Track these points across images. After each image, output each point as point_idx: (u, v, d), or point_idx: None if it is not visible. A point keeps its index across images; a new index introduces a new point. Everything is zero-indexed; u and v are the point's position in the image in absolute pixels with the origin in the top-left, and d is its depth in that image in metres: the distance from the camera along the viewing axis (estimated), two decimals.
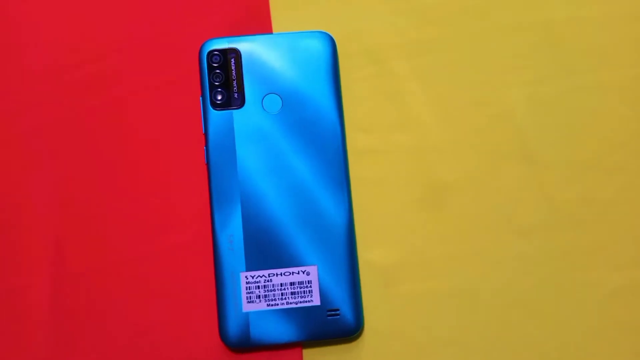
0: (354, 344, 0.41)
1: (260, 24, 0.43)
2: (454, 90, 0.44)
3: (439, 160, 0.43)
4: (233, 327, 0.39)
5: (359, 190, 0.42)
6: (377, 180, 0.43)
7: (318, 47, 0.42)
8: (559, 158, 0.43)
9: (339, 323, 0.40)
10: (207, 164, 0.40)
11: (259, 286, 0.40)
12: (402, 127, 0.43)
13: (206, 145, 0.41)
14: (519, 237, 0.43)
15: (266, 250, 0.40)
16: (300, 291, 0.40)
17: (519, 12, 0.44)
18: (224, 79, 0.41)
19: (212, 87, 0.41)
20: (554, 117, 0.44)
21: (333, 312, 0.40)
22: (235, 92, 0.41)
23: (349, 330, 0.40)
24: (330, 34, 0.42)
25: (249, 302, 0.39)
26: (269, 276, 0.40)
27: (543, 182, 0.43)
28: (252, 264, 0.40)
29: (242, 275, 0.40)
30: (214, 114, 0.41)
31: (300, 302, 0.40)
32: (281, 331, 0.39)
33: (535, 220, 0.43)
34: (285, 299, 0.40)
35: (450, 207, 0.43)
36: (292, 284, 0.40)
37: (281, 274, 0.40)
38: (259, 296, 0.40)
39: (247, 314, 0.39)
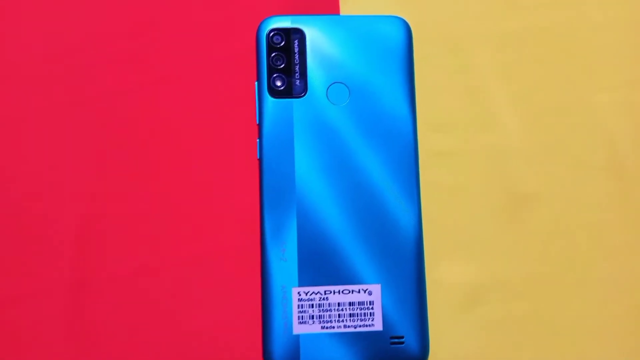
0: None
1: (327, 4, 0.35)
2: (541, 91, 0.36)
3: (521, 167, 0.35)
4: (280, 351, 0.31)
5: (431, 198, 0.34)
6: (451, 187, 0.34)
7: (391, 33, 0.33)
8: None
9: (403, 352, 0.31)
10: (260, 159, 0.32)
11: (313, 305, 0.31)
12: (481, 129, 0.35)
13: (260, 137, 0.32)
14: (606, 258, 0.35)
15: (323, 264, 0.31)
16: (361, 313, 0.31)
17: (614, 7, 0.36)
18: (285, 63, 0.33)
19: (271, 72, 0.33)
20: None
21: (397, 340, 0.31)
22: (297, 79, 0.32)
23: None
24: (406, 20, 0.34)
25: (300, 322, 0.31)
26: (324, 293, 0.31)
27: (634, 198, 0.35)
28: (306, 279, 0.31)
29: (295, 291, 0.31)
30: (271, 102, 0.32)
31: (360, 325, 0.31)
32: (336, 359, 0.31)
33: (624, 241, 0.35)
34: (342, 321, 0.31)
35: (533, 220, 0.35)
36: (351, 304, 0.31)
37: (339, 292, 0.31)
38: (313, 316, 0.31)
39: (298, 336, 0.31)
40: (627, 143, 0.35)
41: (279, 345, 0.31)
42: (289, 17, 0.33)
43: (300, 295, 0.31)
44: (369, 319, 0.31)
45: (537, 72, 0.35)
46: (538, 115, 0.35)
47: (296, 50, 0.33)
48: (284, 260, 0.31)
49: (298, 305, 0.31)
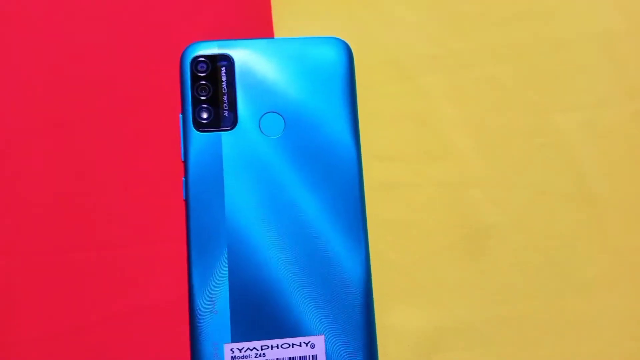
0: None
1: (260, 27, 0.32)
2: (498, 113, 0.32)
3: (479, 197, 0.31)
4: None
5: (379, 235, 0.30)
6: (402, 222, 0.31)
7: (330, 56, 0.30)
8: (623, 198, 0.32)
9: None
10: (186, 200, 0.28)
11: None
12: (433, 157, 0.32)
13: (185, 176, 0.28)
14: (576, 294, 0.31)
15: (259, 315, 0.28)
16: None
17: (575, 21, 0.33)
18: (212, 93, 0.29)
19: (196, 103, 0.29)
20: (616, 149, 0.32)
21: None
22: (226, 110, 0.29)
23: None
24: (346, 42, 0.30)
25: None
26: (261, 349, 0.27)
27: (605, 227, 0.32)
28: (241, 333, 0.27)
29: (227, 347, 0.27)
30: (197, 137, 0.29)
31: None
32: None
33: (596, 274, 0.31)
34: None
35: (494, 256, 0.31)
36: (291, 359, 0.27)
37: (278, 347, 0.27)
38: None
39: None
40: (595, 167, 0.32)
41: None
42: (216, 43, 0.30)
43: (233, 352, 0.27)
44: None
45: (492, 93, 0.32)
46: (495, 140, 0.32)
47: (223, 78, 0.29)
48: (215, 313, 0.27)
49: None
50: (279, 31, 0.32)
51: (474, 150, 0.32)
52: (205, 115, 0.29)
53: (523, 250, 0.31)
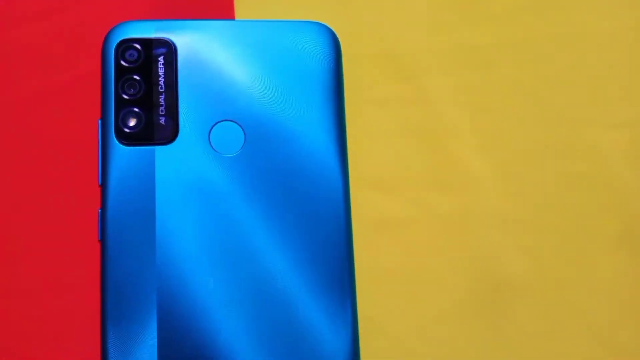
0: None
1: (215, 4, 0.24)
2: (522, 129, 0.26)
3: (498, 240, 0.25)
4: None
5: (369, 287, 0.24)
6: (398, 269, 0.25)
7: (310, 47, 0.23)
8: None
9: None
10: (102, 242, 0.20)
11: None
12: (441, 184, 0.25)
13: (102, 207, 0.21)
14: None
15: None
16: None
17: (617, 15, 0.27)
18: (143, 92, 0.22)
19: (121, 105, 0.22)
20: None
21: None
22: (162, 116, 0.22)
23: None
24: (332, 28, 0.24)
25: None
26: None
27: None
28: None
29: None
30: (121, 152, 0.21)
31: None
32: None
33: None
34: None
35: (515, 318, 0.25)
36: None
37: None
38: None
39: None
40: None
41: None
42: (152, 23, 0.22)
43: None
44: None
45: (516, 104, 0.26)
46: (519, 164, 0.26)
47: (160, 72, 0.22)
48: None
49: None
50: (241, 11, 0.25)
51: (491, 178, 0.25)
52: (133, 123, 0.21)
53: (552, 310, 0.25)
